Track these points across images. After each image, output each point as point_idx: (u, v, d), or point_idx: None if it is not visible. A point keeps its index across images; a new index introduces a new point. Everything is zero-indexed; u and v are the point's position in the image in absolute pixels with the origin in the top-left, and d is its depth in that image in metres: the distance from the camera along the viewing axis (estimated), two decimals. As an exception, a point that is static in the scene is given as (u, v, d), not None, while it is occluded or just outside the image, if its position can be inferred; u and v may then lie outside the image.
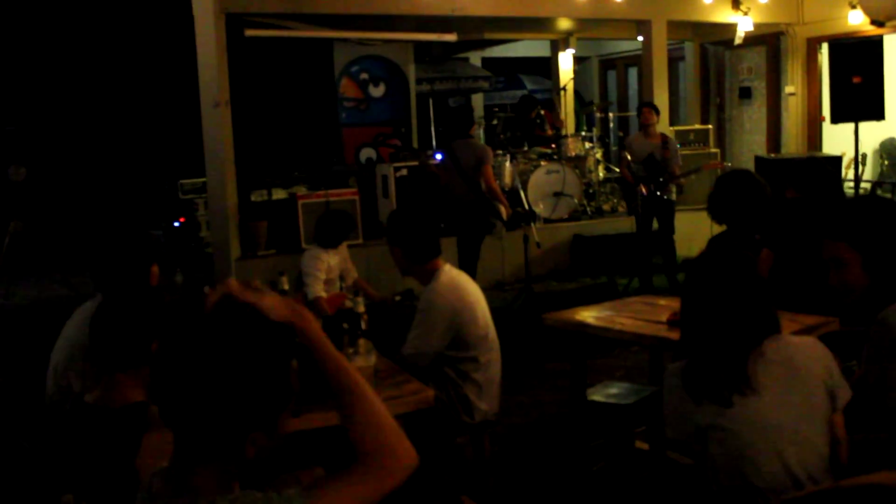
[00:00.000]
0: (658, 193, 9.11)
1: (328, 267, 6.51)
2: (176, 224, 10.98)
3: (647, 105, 9.77)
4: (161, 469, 1.85)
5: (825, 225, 2.92)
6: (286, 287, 4.18)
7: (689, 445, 2.85)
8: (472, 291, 4.20)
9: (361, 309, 3.91)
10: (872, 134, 11.95)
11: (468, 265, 8.56)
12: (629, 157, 9.55)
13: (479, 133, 12.60)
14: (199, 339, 1.77)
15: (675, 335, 4.31)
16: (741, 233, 4.79)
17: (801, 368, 2.75)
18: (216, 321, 1.79)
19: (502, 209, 8.77)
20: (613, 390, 4.82)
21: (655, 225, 9.47)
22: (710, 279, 2.86)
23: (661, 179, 9.11)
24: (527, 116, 11.62)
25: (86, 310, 3.60)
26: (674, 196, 9.39)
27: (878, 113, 9.39)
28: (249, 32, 9.73)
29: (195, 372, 1.73)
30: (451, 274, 4.20)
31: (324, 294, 6.27)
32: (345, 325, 3.89)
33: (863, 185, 11.43)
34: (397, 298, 5.65)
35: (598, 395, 4.78)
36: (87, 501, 2.56)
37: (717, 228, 5.12)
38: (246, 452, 1.77)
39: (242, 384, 1.73)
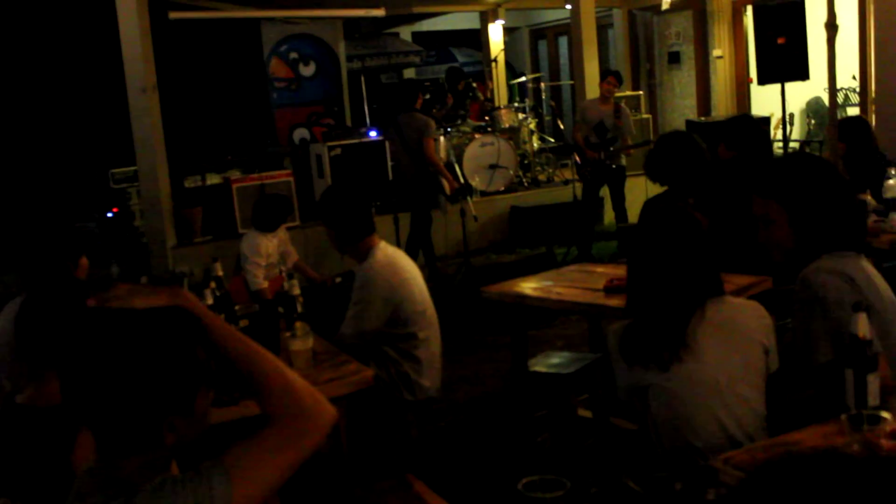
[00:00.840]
0: (607, 162, 9.13)
1: (267, 252, 6.46)
2: (109, 215, 10.79)
3: (612, 73, 9.69)
4: (89, 467, 1.82)
5: (755, 182, 2.94)
6: (220, 273, 4.12)
7: (633, 405, 2.88)
8: (408, 268, 4.19)
9: (297, 291, 3.88)
10: (799, 94, 12.14)
11: (420, 239, 8.56)
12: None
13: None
14: (87, 334, 1.76)
15: (612, 302, 4.35)
16: (676, 194, 4.83)
17: (740, 329, 2.81)
18: (102, 317, 1.77)
19: (445, 183, 8.79)
20: (554, 360, 4.85)
21: (604, 192, 9.52)
22: (654, 239, 2.88)
23: (611, 149, 9.13)
24: (455, 89, 11.59)
25: (12, 307, 3.51)
26: (623, 162, 9.42)
27: (802, 73, 9.51)
28: (174, 15, 9.57)
29: (88, 366, 1.72)
30: (387, 251, 4.19)
31: (265, 284, 6.23)
32: (280, 309, 3.86)
33: (791, 144, 11.62)
34: (338, 280, 5.62)
35: (539, 365, 4.80)
36: (22, 503, 2.51)
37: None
38: (166, 439, 1.75)
39: (135, 372, 1.71)
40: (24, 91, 12.43)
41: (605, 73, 9.87)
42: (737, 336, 2.80)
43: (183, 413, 1.77)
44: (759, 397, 2.79)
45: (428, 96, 11.22)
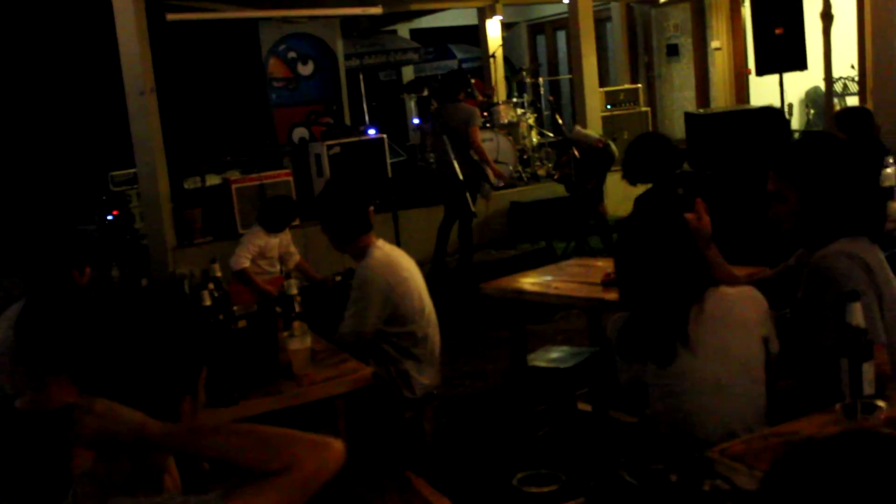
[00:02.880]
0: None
1: (266, 246, 6.51)
2: (109, 217, 10.80)
3: None
4: (87, 471, 1.84)
5: (774, 160, 2.94)
6: (219, 274, 4.15)
7: (635, 394, 2.89)
8: (406, 266, 4.20)
9: (294, 291, 3.90)
10: (797, 84, 12.13)
11: (464, 230, 8.67)
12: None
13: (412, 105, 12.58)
14: (94, 321, 1.80)
15: (610, 295, 4.35)
16: (664, 189, 4.88)
17: (739, 321, 2.80)
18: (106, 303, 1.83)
19: (489, 171, 8.86)
20: (554, 354, 4.86)
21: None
22: (642, 236, 2.89)
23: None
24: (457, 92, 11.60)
25: (13, 312, 3.53)
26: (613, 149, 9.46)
27: (800, 63, 9.53)
28: (171, 16, 9.57)
29: (100, 354, 1.76)
30: (385, 249, 4.20)
31: (247, 265, 6.23)
32: (278, 309, 3.87)
33: (793, 134, 11.61)
34: (337, 279, 5.63)
35: (538, 360, 4.81)
36: (21, 507, 2.52)
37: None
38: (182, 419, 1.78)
39: (149, 351, 1.75)
40: (22, 94, 12.44)
41: None
42: (736, 329, 2.79)
43: (193, 393, 1.81)
44: (760, 389, 2.79)
45: (426, 93, 11.27)
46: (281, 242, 6.74)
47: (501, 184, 9.65)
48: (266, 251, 6.58)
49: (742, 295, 2.90)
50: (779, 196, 2.90)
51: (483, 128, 10.94)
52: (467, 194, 8.38)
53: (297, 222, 9.30)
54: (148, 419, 1.72)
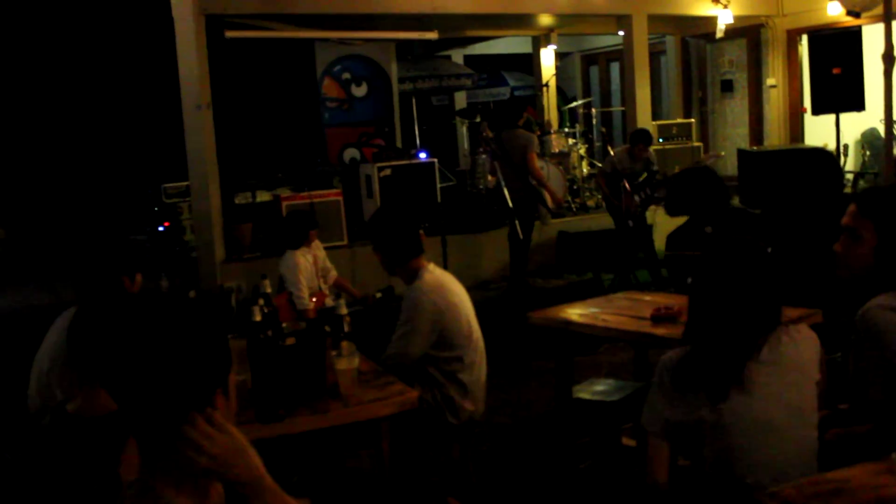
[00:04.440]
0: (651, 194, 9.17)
1: (306, 268, 6.58)
2: (160, 228, 10.93)
3: (642, 140, 9.68)
4: (133, 480, 1.84)
5: (861, 197, 2.88)
6: (269, 290, 4.17)
7: (655, 439, 2.83)
8: (457, 291, 4.19)
9: (344, 311, 3.89)
10: (853, 124, 12.00)
11: (520, 253, 8.70)
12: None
13: (464, 131, 12.62)
14: (124, 325, 1.82)
15: (659, 331, 4.32)
16: (697, 225, 4.89)
17: (795, 364, 2.75)
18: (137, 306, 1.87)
19: (548, 196, 8.95)
20: (599, 387, 4.82)
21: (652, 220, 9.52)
22: (724, 270, 2.83)
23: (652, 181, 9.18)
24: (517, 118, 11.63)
25: (66, 318, 3.58)
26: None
27: (858, 104, 9.43)
28: (230, 34, 9.70)
29: (131, 354, 1.78)
30: (435, 273, 4.19)
31: (311, 304, 6.31)
32: (327, 328, 3.87)
33: (845, 175, 11.47)
34: (378, 296, 5.65)
35: (584, 392, 4.77)
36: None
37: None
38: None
39: (182, 348, 1.77)
40: (83, 107, 12.68)
41: (636, 138, 9.74)
42: (793, 372, 2.74)
43: (224, 390, 1.83)
44: (813, 433, 2.74)
45: (478, 119, 11.29)
46: (317, 259, 6.82)
47: (558, 208, 9.65)
48: (309, 278, 6.65)
49: (801, 336, 2.84)
50: (854, 233, 2.84)
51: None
52: (516, 221, 8.39)
53: (344, 241, 9.41)
54: (264, 470, 1.81)
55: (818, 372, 2.77)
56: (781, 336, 2.80)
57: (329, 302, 6.73)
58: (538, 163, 8.94)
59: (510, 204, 8.41)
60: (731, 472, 2.69)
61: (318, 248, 7.00)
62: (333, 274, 7.00)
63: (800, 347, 2.79)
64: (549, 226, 9.54)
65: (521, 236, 8.44)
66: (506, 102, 10.24)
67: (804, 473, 2.66)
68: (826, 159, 7.65)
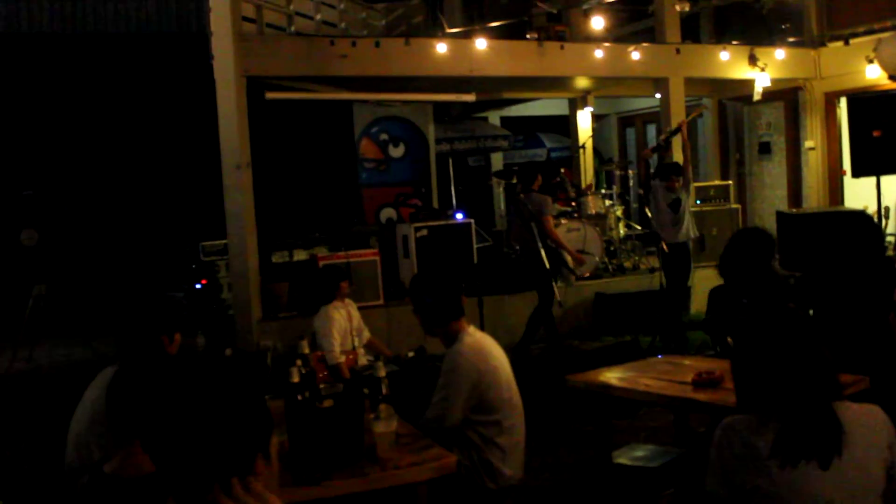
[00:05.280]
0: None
1: (339, 323, 6.63)
2: (198, 286, 11.00)
3: (673, 172, 9.65)
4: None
5: None
6: (306, 351, 4.15)
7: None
8: (497, 355, 4.15)
9: (382, 373, 3.86)
10: (894, 187, 11.90)
11: (543, 315, 8.82)
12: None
13: (500, 192, 12.65)
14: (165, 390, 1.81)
15: (700, 396, 4.25)
16: (736, 290, 4.83)
17: (862, 441, 2.61)
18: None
19: (568, 257, 9.08)
20: (639, 453, 4.75)
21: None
22: (772, 339, 2.76)
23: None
24: (549, 179, 11.66)
25: (105, 376, 3.58)
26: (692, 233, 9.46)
27: (899, 166, 9.36)
28: (270, 95, 9.84)
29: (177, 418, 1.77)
30: (476, 336, 4.16)
31: (342, 359, 6.32)
32: (365, 391, 3.85)
33: (887, 238, 11.34)
34: (410, 354, 5.62)
35: (623, 457, 4.70)
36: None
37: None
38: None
39: (222, 416, 1.76)
40: (125, 165, 12.89)
41: (668, 172, 9.72)
42: (858, 449, 2.59)
43: (265, 453, 1.82)
44: None
45: (514, 180, 11.32)
46: (351, 317, 6.85)
47: (584, 272, 9.64)
48: (344, 336, 6.69)
49: (867, 412, 2.71)
50: None
51: (571, 217, 10.96)
52: (553, 281, 8.49)
53: (380, 301, 9.41)
54: None
55: (890, 454, 2.65)
56: (846, 410, 2.68)
57: (362, 361, 6.77)
58: (552, 224, 9.13)
59: (546, 265, 8.42)
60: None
61: (352, 306, 7.03)
62: (367, 334, 7.02)
63: (868, 423, 2.66)
64: (574, 287, 9.54)
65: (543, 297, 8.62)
66: (523, 166, 10.40)
67: None
68: (865, 222, 7.56)
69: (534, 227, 8.74)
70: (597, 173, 14.55)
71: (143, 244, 12.67)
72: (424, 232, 10.14)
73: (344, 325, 6.79)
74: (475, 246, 9.80)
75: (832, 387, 2.69)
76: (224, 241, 10.10)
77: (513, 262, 10.07)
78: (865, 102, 9.68)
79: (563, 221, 10.82)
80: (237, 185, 9.12)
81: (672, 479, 4.60)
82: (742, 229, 5.93)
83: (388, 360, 6.30)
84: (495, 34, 11.34)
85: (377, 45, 9.63)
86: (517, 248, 10.09)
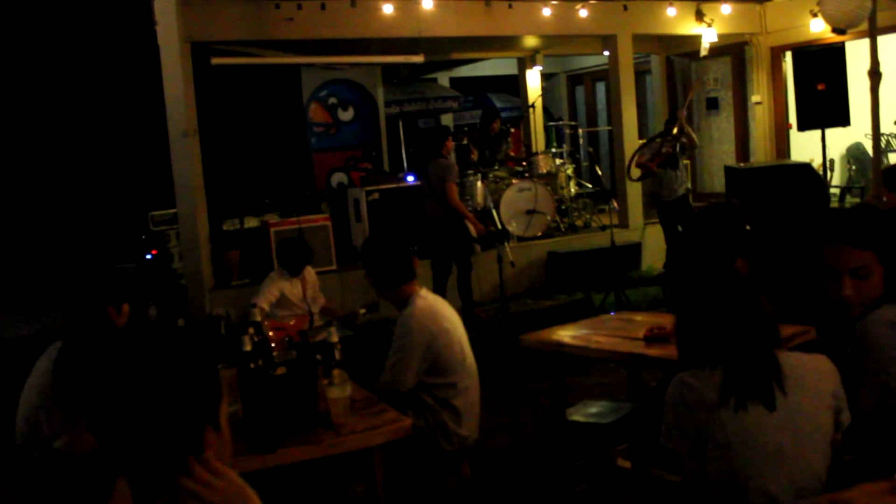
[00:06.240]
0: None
1: (290, 291, 6.62)
2: (148, 256, 10.88)
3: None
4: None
5: (851, 233, 2.84)
6: (258, 318, 4.12)
7: (686, 459, 2.78)
8: (449, 317, 4.16)
9: (335, 339, 3.85)
10: (839, 140, 12.05)
11: (440, 285, 8.58)
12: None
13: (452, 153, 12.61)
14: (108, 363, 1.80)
15: (652, 351, 4.29)
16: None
17: (811, 389, 2.69)
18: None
19: (470, 227, 8.80)
20: (593, 409, 4.79)
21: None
22: (725, 290, 2.82)
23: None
24: (488, 127, 11.59)
25: (53, 350, 3.52)
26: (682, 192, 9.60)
27: (843, 119, 9.46)
28: (216, 61, 9.68)
29: (117, 392, 1.75)
30: (428, 299, 4.16)
31: (265, 307, 6.26)
32: (318, 357, 3.84)
33: (832, 190, 11.51)
34: (362, 311, 5.61)
35: (577, 414, 4.74)
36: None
37: None
38: (205, 452, 1.76)
39: (168, 384, 1.74)
40: (67, 134, 12.64)
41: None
42: (806, 396, 2.68)
43: (214, 424, 1.78)
44: (824, 462, 2.67)
45: (465, 141, 11.30)
46: (309, 284, 6.82)
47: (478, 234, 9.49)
48: (291, 296, 6.65)
49: (815, 362, 2.79)
50: (864, 270, 2.77)
51: (521, 177, 10.97)
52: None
53: (333, 266, 9.37)
54: None
55: (836, 399, 2.71)
56: (795, 359, 2.77)
57: (317, 321, 6.73)
58: (456, 192, 8.77)
59: (499, 226, 8.40)
60: (735, 494, 2.65)
61: (310, 274, 6.97)
62: (321, 301, 6.99)
63: (816, 371, 2.74)
64: (478, 255, 9.43)
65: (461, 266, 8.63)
66: (428, 130, 10.23)
67: (808, 499, 2.61)
68: (808, 174, 7.64)
69: (432, 196, 8.66)
70: (547, 132, 14.56)
71: (91, 215, 12.47)
72: (376, 195, 10.11)
73: (297, 297, 6.75)
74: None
75: (771, 334, 2.76)
76: (174, 211, 9.98)
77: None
78: (810, 56, 9.74)
79: (514, 181, 10.84)
80: (185, 153, 9.00)
81: (625, 434, 4.65)
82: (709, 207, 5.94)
83: (342, 321, 6.27)
84: (442, -6, 11.25)
85: (323, 7, 9.49)
86: (469, 208, 10.09)
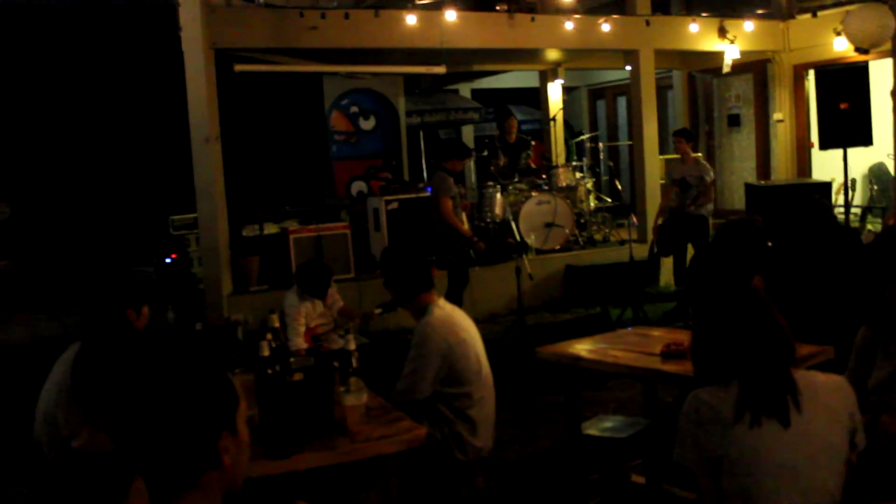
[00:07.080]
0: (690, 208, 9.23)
1: (310, 314, 6.50)
2: (167, 260, 10.93)
3: (676, 134, 9.77)
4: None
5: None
6: (276, 325, 4.15)
7: (700, 476, 2.77)
8: (467, 327, 4.17)
9: (353, 346, 3.87)
10: (861, 159, 11.99)
11: (456, 296, 8.59)
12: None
13: (471, 165, 12.66)
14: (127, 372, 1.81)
15: (669, 367, 4.28)
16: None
17: (826, 408, 2.68)
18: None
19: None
20: (608, 424, 4.78)
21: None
22: (730, 310, 2.82)
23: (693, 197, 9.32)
24: (504, 125, 11.58)
25: (72, 351, 3.55)
26: (704, 212, 9.49)
27: (865, 139, 9.42)
28: (239, 67, 9.74)
29: (135, 399, 1.78)
30: (446, 309, 4.17)
31: (303, 346, 6.22)
32: (335, 364, 3.85)
33: (853, 210, 11.46)
34: (377, 311, 5.61)
35: (592, 428, 4.73)
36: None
37: None
38: (223, 461, 1.78)
39: (181, 393, 1.77)
40: (92, 139, 12.72)
41: (675, 133, 9.92)
42: (822, 416, 2.67)
43: (230, 429, 1.80)
44: (838, 482, 2.64)
45: (486, 153, 11.32)
46: (329, 294, 6.76)
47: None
48: (313, 313, 6.57)
49: (830, 382, 2.79)
50: None
51: (542, 190, 10.97)
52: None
53: (351, 275, 9.40)
54: None
55: (852, 421, 2.70)
56: (811, 378, 2.75)
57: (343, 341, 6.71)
58: (449, 206, 8.68)
59: (518, 238, 8.41)
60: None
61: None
62: (339, 304, 6.97)
63: (832, 392, 2.73)
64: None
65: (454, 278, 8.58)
66: (442, 143, 10.23)
67: None
68: (808, 198, 7.55)
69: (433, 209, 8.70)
70: (567, 146, 14.56)
71: (112, 219, 12.54)
72: (395, 205, 10.13)
73: (316, 316, 6.67)
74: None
75: (787, 352, 2.75)
76: (194, 215, 10.02)
77: (484, 234, 10.09)
78: (832, 75, 9.71)
79: (533, 194, 10.84)
80: (206, 158, 9.06)
81: (640, 450, 4.64)
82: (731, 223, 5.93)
83: (359, 323, 6.25)
84: (465, 5, 11.27)
85: (347, 16, 9.55)
86: (488, 220, 10.10)
